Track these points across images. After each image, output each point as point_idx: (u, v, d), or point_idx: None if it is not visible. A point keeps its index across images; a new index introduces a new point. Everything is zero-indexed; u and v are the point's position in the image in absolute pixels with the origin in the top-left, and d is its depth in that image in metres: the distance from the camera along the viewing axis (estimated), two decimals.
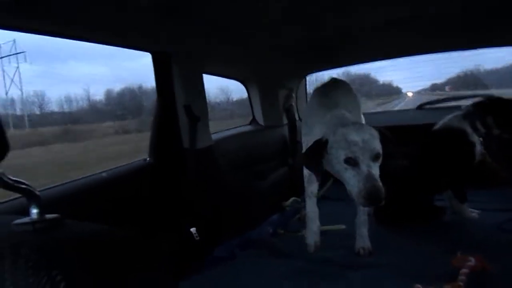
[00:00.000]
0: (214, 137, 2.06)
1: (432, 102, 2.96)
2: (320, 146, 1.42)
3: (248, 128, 2.78)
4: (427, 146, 1.95)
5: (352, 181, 1.32)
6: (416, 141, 1.99)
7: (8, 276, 0.41)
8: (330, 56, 2.68)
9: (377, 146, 1.33)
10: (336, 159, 1.36)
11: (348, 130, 1.36)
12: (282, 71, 2.77)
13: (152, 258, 0.51)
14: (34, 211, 0.52)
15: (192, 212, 1.74)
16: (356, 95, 1.92)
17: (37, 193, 0.54)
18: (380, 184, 1.27)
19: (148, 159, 1.73)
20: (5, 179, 0.51)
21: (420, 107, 2.96)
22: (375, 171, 1.31)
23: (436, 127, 1.96)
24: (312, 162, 1.46)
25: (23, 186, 0.53)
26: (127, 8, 1.34)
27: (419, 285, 1.24)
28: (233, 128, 2.71)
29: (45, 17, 1.20)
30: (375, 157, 1.32)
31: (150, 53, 1.70)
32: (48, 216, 0.53)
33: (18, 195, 0.57)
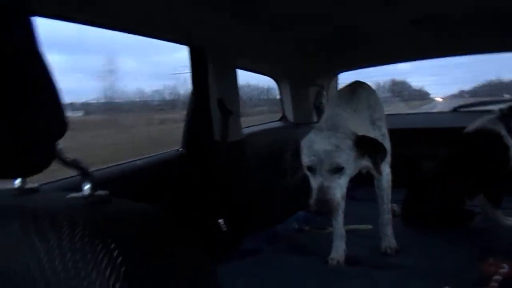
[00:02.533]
0: (245, 131, 2.09)
1: (468, 105, 2.87)
2: (296, 148, 1.45)
3: (278, 124, 2.79)
4: (460, 148, 1.90)
5: (311, 188, 1.35)
6: (451, 143, 1.94)
7: (65, 243, 0.45)
8: (361, 55, 2.64)
9: (339, 159, 1.31)
10: (303, 163, 1.39)
11: (314, 138, 1.36)
12: (314, 68, 2.76)
13: (192, 237, 0.54)
14: (87, 187, 0.57)
15: (220, 203, 1.78)
16: (377, 97, 1.78)
17: (90, 171, 0.58)
18: (330, 197, 1.29)
19: (181, 149, 1.79)
20: (63, 156, 0.56)
21: (455, 109, 2.88)
22: (332, 183, 1.31)
23: (469, 129, 1.91)
24: (287, 163, 1.51)
25: (78, 164, 0.58)
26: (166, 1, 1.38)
27: None
28: (263, 123, 2.73)
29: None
30: (334, 170, 1.31)
31: (188, 46, 1.75)
32: (98, 192, 0.57)
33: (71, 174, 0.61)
